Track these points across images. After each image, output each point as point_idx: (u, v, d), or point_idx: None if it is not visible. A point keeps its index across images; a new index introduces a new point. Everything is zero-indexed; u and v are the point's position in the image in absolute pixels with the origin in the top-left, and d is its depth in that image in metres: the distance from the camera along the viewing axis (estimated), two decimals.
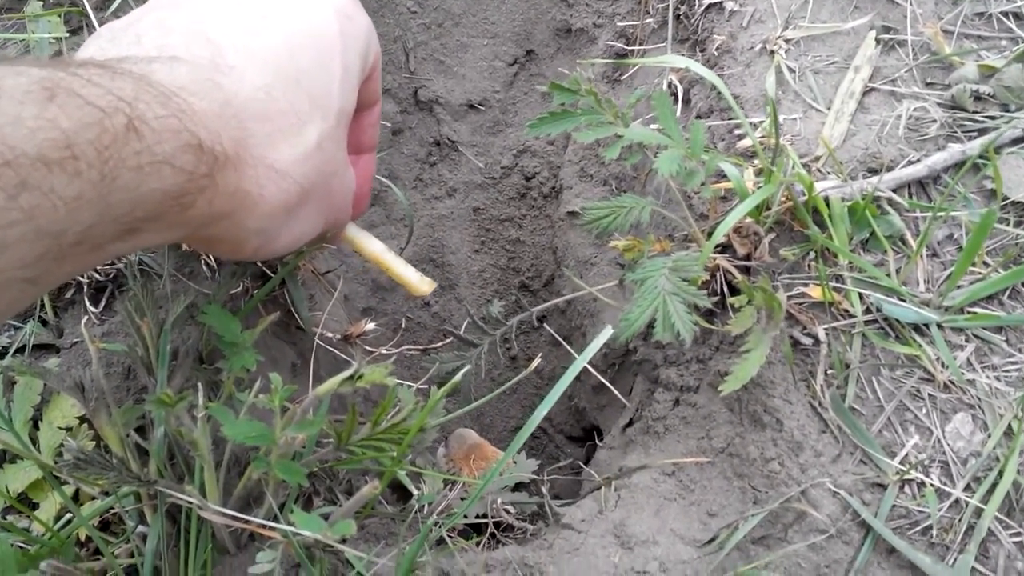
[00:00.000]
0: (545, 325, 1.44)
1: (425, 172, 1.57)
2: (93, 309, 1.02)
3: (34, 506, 0.93)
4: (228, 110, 0.70)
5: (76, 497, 0.93)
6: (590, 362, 0.91)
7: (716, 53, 1.21)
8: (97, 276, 1.02)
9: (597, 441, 1.22)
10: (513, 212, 1.56)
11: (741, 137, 1.13)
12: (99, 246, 0.61)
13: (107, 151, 0.56)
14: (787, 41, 1.16)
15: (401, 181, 1.54)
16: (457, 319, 1.50)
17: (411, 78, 1.55)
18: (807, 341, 0.99)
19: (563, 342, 1.24)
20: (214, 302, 0.92)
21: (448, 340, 1.45)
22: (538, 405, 0.85)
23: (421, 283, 1.02)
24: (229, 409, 0.82)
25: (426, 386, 1.05)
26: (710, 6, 1.25)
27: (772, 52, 1.16)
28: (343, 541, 0.80)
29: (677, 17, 1.32)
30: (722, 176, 1.04)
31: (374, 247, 1.01)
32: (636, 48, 1.36)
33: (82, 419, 0.94)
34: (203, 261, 1.06)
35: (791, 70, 1.14)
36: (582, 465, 1.18)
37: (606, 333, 0.91)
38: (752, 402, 0.97)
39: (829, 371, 0.98)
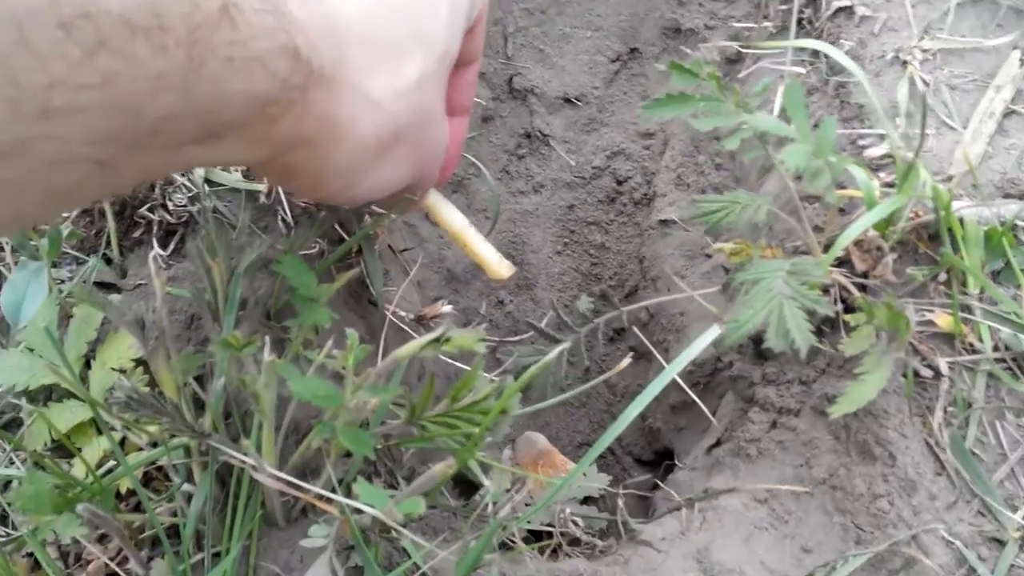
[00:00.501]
0: (635, 329, 1.34)
1: (512, 164, 1.50)
2: (161, 252, 0.96)
3: (78, 451, 0.86)
4: (327, 25, 0.64)
5: (122, 446, 0.86)
6: (675, 378, 0.83)
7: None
8: (168, 218, 0.96)
9: (677, 463, 1.13)
10: (600, 216, 1.48)
11: (864, 148, 1.04)
12: (176, 145, 0.55)
13: (197, 32, 0.51)
14: (923, 52, 1.08)
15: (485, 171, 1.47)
16: (532, 320, 1.42)
17: (507, 64, 1.48)
18: (927, 373, 0.91)
19: (652, 349, 1.15)
20: (290, 252, 0.85)
21: (527, 335, 1.37)
22: (607, 423, 0.78)
23: (500, 265, 0.95)
24: (296, 367, 0.75)
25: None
26: (839, 10, 1.17)
27: (905, 62, 1.08)
28: (405, 526, 0.73)
29: (799, 21, 1.24)
30: (840, 187, 0.96)
31: (456, 219, 0.94)
32: (751, 51, 1.29)
33: (138, 362, 0.88)
34: (279, 216, 1.00)
35: (925, 83, 1.06)
36: (659, 483, 1.09)
37: (711, 333, 0.84)
38: (862, 431, 0.88)
39: (949, 408, 0.89)
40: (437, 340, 0.70)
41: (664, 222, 1.33)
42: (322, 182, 0.71)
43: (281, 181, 0.73)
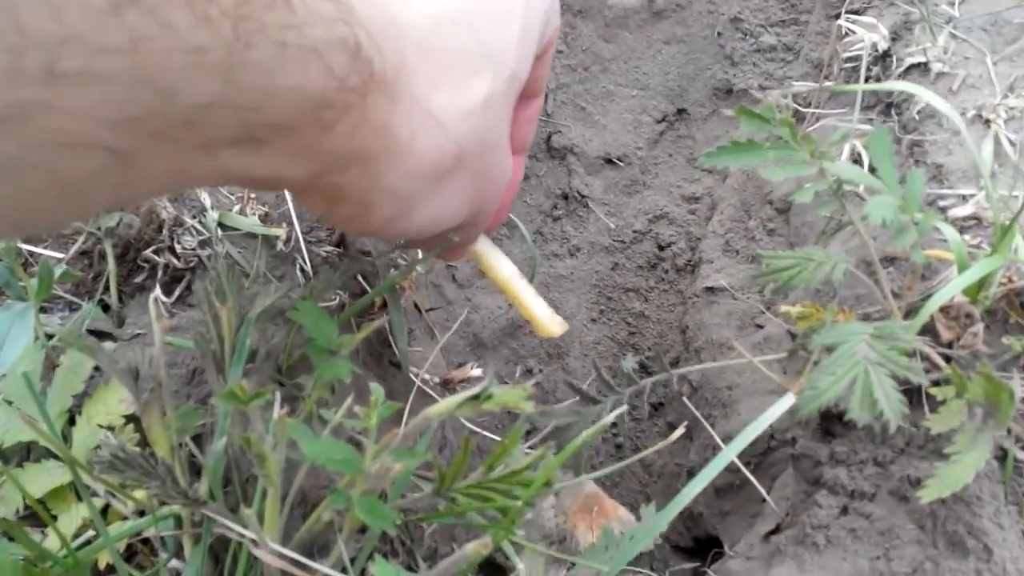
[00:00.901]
0: (683, 400, 1.24)
1: (547, 226, 1.41)
2: (164, 299, 0.86)
3: (53, 519, 0.76)
4: (390, 27, 0.55)
5: (104, 515, 0.75)
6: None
7: (916, 118, 1.04)
8: (175, 262, 0.87)
9: (727, 550, 1.01)
10: (640, 283, 1.39)
11: (946, 210, 0.95)
12: (211, 145, 0.46)
13: (247, 6, 0.42)
14: (1008, 110, 0.99)
15: (519, 232, 1.38)
16: (562, 394, 1.31)
17: (546, 121, 1.40)
18: (1023, 456, 0.80)
19: (703, 420, 1.04)
20: (309, 299, 0.75)
21: (564, 403, 1.27)
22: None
23: (552, 322, 0.85)
24: (308, 428, 0.66)
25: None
26: (911, 67, 1.09)
27: (988, 121, 0.99)
28: None
29: (867, 79, 1.15)
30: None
31: (506, 268, 0.85)
32: (811, 111, 1.20)
33: (129, 419, 0.77)
34: (298, 266, 0.90)
35: (1012, 143, 0.97)
36: (711, 573, 0.98)
37: (784, 402, 0.73)
38: (952, 520, 0.77)
39: None
40: (477, 397, 0.60)
41: (710, 289, 1.23)
42: (372, 209, 0.62)
43: (325, 209, 0.63)
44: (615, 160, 1.43)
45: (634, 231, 1.40)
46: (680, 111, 1.45)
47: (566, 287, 1.38)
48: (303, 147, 0.52)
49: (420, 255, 0.86)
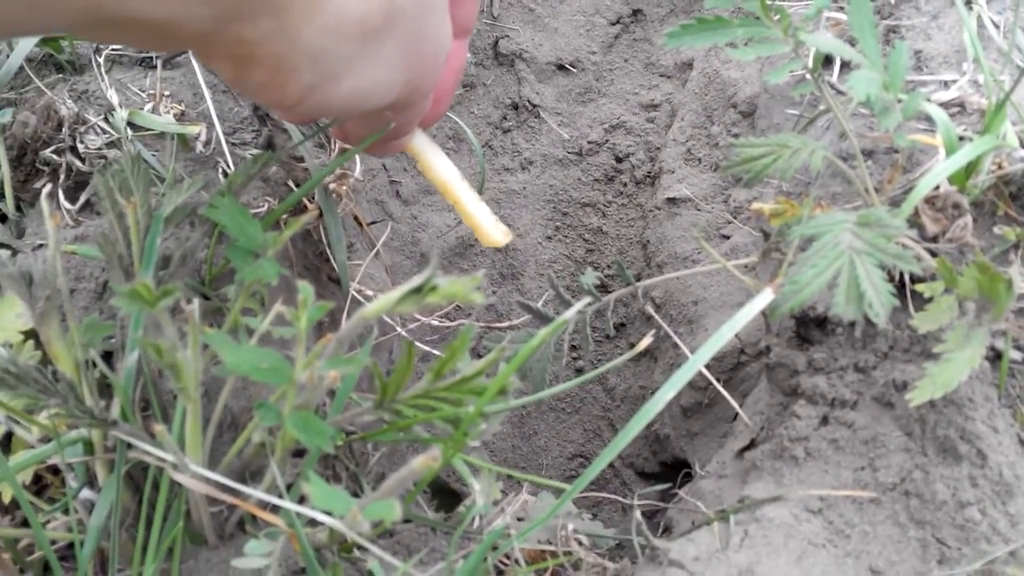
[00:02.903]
0: (649, 312, 1.17)
1: (497, 138, 1.32)
2: (68, 205, 0.77)
3: None
4: None
5: (7, 444, 0.67)
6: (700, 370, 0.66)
7: (892, 1, 0.97)
8: (79, 164, 0.78)
9: (698, 471, 0.95)
10: (597, 196, 1.31)
11: (927, 97, 0.88)
12: None
13: None
14: None
15: (467, 145, 1.29)
16: (517, 316, 1.24)
17: (493, 25, 1.31)
18: (1016, 356, 0.74)
19: (672, 334, 0.97)
20: (228, 195, 0.66)
21: (518, 320, 1.20)
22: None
23: (495, 230, 0.78)
24: (231, 337, 0.58)
25: None
26: None
27: (970, 2, 0.92)
28: (372, 542, 0.55)
29: None
30: None
31: (446, 170, 0.77)
32: (779, 2, 1.12)
33: (28, 335, 0.69)
34: (220, 169, 0.82)
35: (995, 25, 0.90)
36: (682, 494, 0.92)
37: (761, 300, 0.66)
38: (942, 424, 0.71)
39: None
40: (419, 290, 0.52)
41: (672, 200, 1.16)
42: (288, 74, 0.53)
43: (234, 74, 0.54)
44: (567, 66, 1.35)
45: (589, 142, 1.32)
46: (636, 12, 1.37)
47: (519, 203, 1.30)
48: None
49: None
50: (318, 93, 0.55)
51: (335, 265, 0.86)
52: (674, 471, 1.11)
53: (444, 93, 0.71)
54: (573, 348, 1.18)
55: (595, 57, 1.35)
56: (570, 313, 0.59)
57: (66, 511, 0.64)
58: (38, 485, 0.69)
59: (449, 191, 0.78)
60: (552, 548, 0.77)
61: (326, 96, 0.56)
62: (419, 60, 0.60)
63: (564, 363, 1.20)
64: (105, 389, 0.65)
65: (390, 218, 1.19)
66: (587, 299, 0.63)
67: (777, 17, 0.75)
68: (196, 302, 0.57)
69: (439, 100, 0.71)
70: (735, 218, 1.09)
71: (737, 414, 0.96)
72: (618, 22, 1.36)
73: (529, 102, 1.32)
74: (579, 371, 1.23)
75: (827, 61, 0.97)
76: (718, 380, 1.01)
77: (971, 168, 0.77)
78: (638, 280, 1.24)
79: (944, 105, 0.85)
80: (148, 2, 0.42)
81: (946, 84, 0.88)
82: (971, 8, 0.91)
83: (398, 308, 0.54)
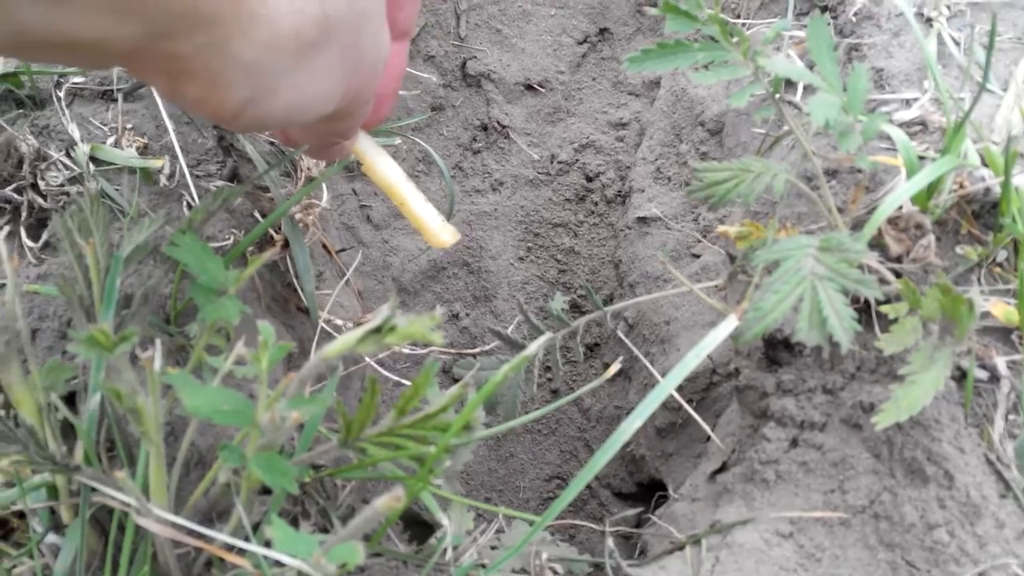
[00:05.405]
0: (621, 335, 1.17)
1: (467, 160, 1.32)
2: (31, 243, 0.77)
3: None
4: None
5: None
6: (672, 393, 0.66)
7: (854, 20, 0.98)
8: (40, 202, 0.77)
9: (672, 493, 0.95)
10: (568, 217, 1.31)
11: (888, 116, 0.89)
12: None
13: None
14: (949, 8, 0.93)
15: (436, 168, 1.29)
16: (490, 339, 1.23)
17: (460, 46, 1.31)
18: (982, 375, 0.75)
19: (642, 358, 0.97)
20: (189, 232, 0.66)
21: (489, 346, 1.19)
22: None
23: (442, 230, 0.78)
24: (194, 378, 0.57)
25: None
26: None
27: (930, 20, 0.93)
28: None
29: None
30: None
31: (391, 171, 0.77)
32: (741, 22, 1.13)
33: None
34: (184, 202, 0.81)
35: (956, 42, 0.91)
36: (655, 519, 0.92)
37: (726, 326, 0.67)
38: (909, 446, 0.71)
39: (1010, 417, 0.73)
40: (379, 330, 0.52)
41: (643, 220, 1.16)
42: (224, 88, 0.52)
43: (169, 88, 0.53)
44: (536, 86, 1.35)
45: (560, 162, 1.33)
46: (602, 30, 1.37)
47: (490, 224, 1.30)
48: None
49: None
50: (256, 107, 0.55)
51: (302, 295, 0.86)
52: (650, 491, 1.11)
53: (385, 97, 0.71)
54: (547, 369, 1.18)
55: (563, 76, 1.35)
56: (534, 347, 0.59)
57: (31, 556, 0.64)
58: (4, 529, 0.68)
59: (394, 192, 0.78)
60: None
61: (264, 110, 0.55)
62: (357, 69, 0.60)
63: (538, 384, 1.20)
64: (69, 430, 0.64)
65: (361, 243, 1.19)
66: (548, 334, 0.64)
67: (736, 40, 0.75)
68: (157, 344, 0.56)
69: (380, 104, 0.71)
70: (704, 237, 1.09)
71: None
72: (585, 41, 1.36)
73: (498, 123, 1.32)
74: (555, 392, 1.23)
75: (790, 81, 0.98)
76: (690, 401, 1.01)
77: (933, 188, 0.77)
78: (610, 301, 1.24)
79: (906, 124, 0.86)
80: (76, 23, 0.42)
81: (908, 103, 0.88)
82: (931, 25, 0.92)
83: (358, 349, 0.53)
